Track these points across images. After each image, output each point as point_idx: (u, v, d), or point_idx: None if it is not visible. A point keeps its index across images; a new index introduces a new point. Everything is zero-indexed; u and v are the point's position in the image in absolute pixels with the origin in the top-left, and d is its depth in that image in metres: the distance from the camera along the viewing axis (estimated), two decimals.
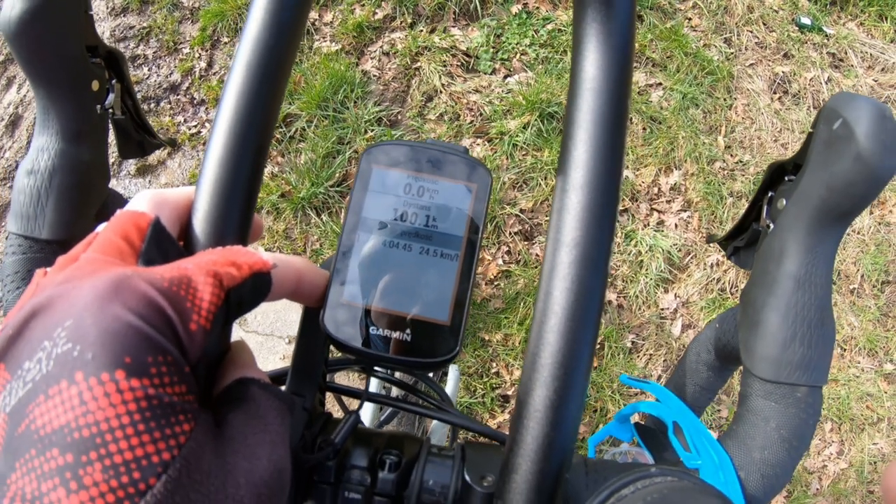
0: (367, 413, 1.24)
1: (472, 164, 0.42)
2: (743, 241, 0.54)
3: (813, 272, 0.42)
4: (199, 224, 0.35)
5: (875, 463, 2.18)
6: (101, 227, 0.32)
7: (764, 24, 2.86)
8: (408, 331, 0.39)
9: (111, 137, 0.61)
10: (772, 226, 0.46)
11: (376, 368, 0.63)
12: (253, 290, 0.31)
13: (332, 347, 0.42)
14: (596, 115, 0.36)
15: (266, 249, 2.27)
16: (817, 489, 2.12)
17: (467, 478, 0.38)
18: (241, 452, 0.28)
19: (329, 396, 0.48)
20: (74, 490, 0.22)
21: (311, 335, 0.43)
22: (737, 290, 2.32)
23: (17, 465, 0.23)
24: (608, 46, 0.36)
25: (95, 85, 0.56)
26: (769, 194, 0.49)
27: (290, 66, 0.39)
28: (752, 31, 2.84)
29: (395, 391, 1.30)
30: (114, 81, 0.59)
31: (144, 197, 0.35)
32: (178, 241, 0.34)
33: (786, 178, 0.48)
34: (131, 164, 2.50)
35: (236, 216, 0.36)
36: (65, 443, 0.22)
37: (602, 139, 0.36)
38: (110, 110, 0.59)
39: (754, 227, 0.52)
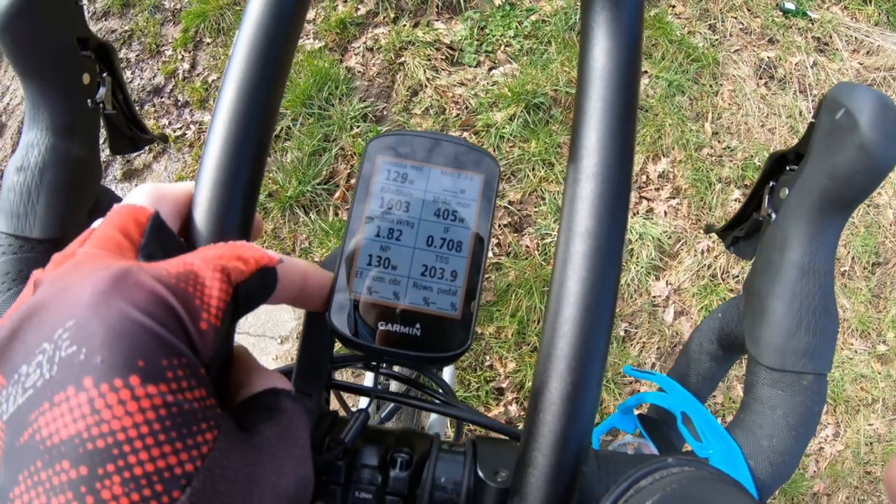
0: None
1: (479, 154, 0.40)
2: (743, 230, 0.54)
3: (816, 260, 0.42)
4: (201, 219, 0.34)
5: (871, 444, 2.20)
6: (97, 223, 0.30)
7: (748, 10, 2.86)
8: (417, 325, 0.38)
9: (102, 134, 0.59)
10: (773, 215, 0.46)
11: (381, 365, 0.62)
12: (260, 285, 0.30)
13: (336, 344, 0.41)
14: (606, 102, 0.35)
15: None
16: (815, 471, 2.14)
17: (480, 474, 0.37)
18: (269, 465, 0.27)
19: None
20: None
21: (316, 332, 0.42)
22: (728, 276, 2.33)
23: (20, 477, 0.21)
24: (617, 33, 0.36)
25: (86, 78, 0.54)
26: (770, 184, 0.49)
27: (291, 55, 0.37)
28: (736, 17, 2.84)
29: (393, 387, 1.28)
30: (105, 75, 0.57)
31: (143, 191, 0.33)
32: (178, 237, 0.33)
33: (787, 168, 0.48)
34: (117, 169, 2.48)
35: (238, 211, 0.34)
36: (77, 454, 0.21)
37: (613, 127, 0.35)
38: (101, 105, 0.57)
39: (755, 217, 0.51)
